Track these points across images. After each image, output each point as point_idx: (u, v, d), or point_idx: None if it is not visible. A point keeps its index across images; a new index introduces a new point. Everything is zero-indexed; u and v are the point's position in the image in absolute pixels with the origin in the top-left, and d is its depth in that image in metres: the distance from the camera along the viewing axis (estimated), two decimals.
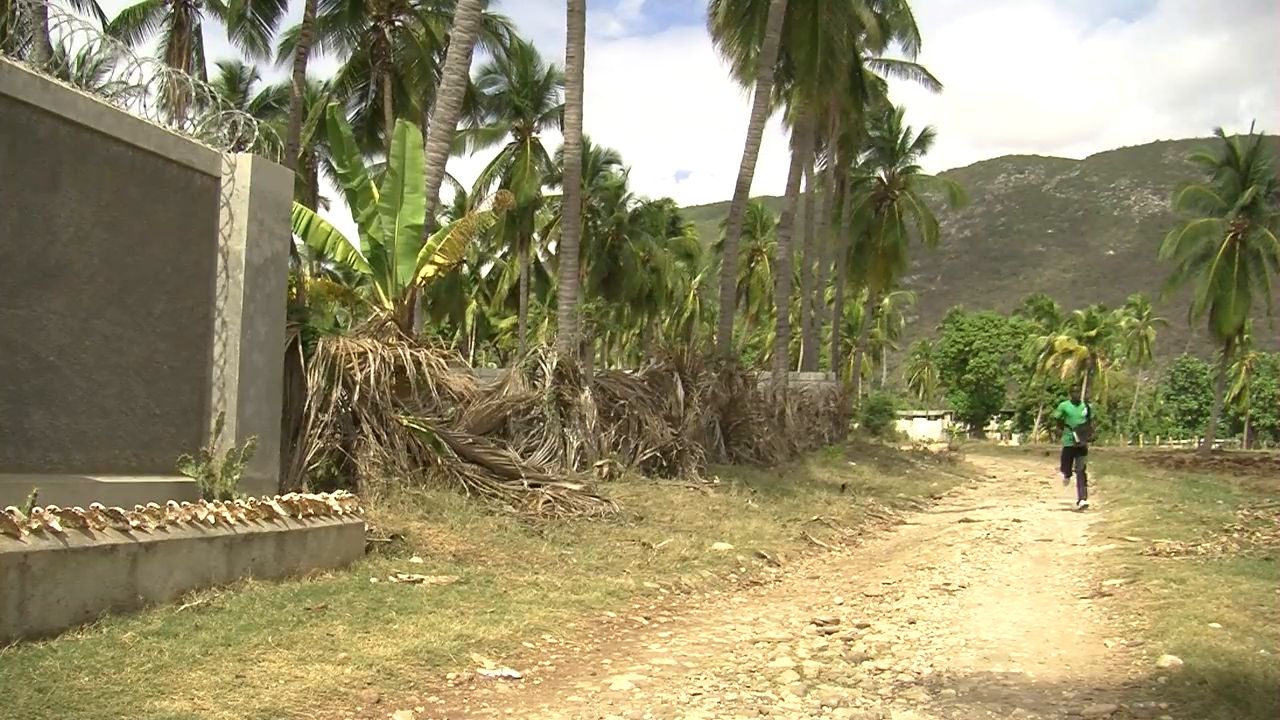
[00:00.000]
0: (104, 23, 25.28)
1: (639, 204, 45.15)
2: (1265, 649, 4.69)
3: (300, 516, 5.94)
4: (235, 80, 32.83)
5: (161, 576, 4.80)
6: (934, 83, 33.43)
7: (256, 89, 33.30)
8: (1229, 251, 37.81)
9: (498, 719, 3.83)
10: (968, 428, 73.13)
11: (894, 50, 32.28)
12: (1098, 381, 63.96)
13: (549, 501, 9.15)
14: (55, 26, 6.18)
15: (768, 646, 5.18)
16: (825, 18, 23.43)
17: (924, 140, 39.81)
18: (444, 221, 25.98)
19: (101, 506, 4.65)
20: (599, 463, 11.66)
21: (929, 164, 44.88)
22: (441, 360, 8.87)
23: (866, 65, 31.93)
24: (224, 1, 27.09)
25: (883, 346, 72.01)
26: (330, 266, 35.76)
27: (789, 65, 25.08)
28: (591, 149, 41.04)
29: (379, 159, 28.29)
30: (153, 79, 6.76)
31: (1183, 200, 40.64)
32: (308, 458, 7.89)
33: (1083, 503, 13.76)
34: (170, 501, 5.16)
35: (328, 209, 39.40)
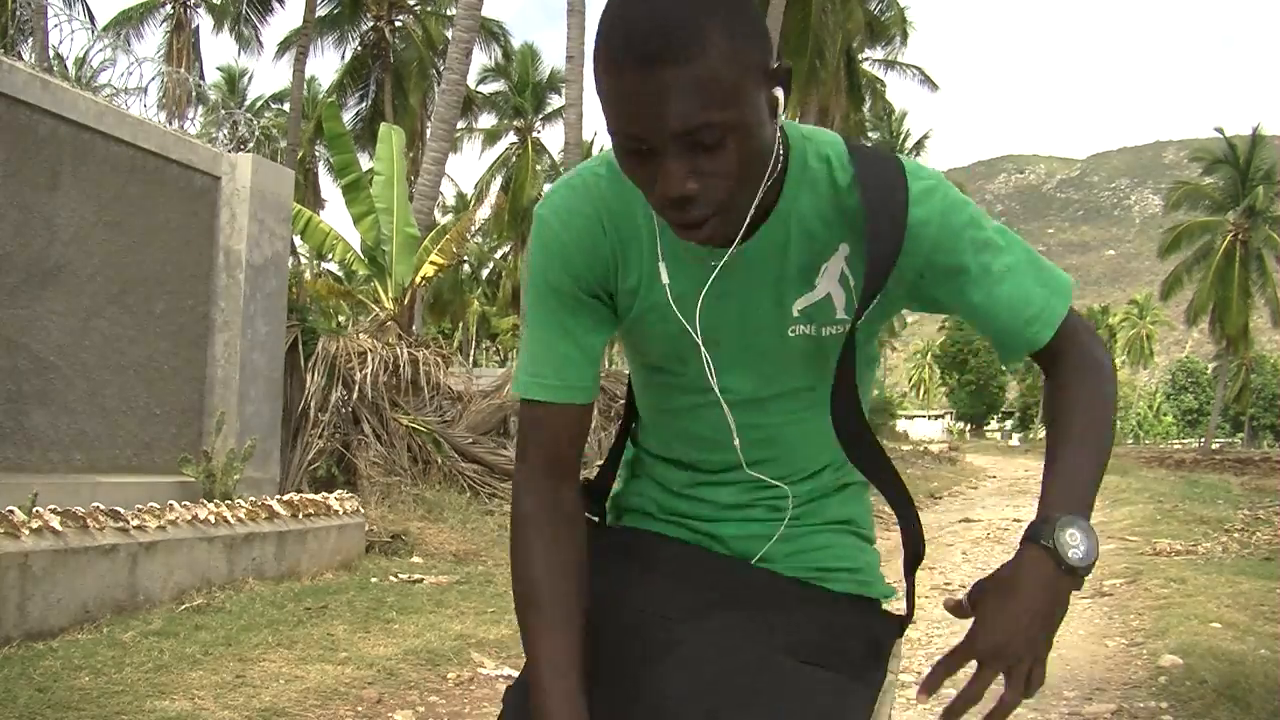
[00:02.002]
0: (93, 21, 25.31)
1: None
2: (1265, 649, 4.69)
3: (300, 516, 5.94)
4: (234, 81, 32.83)
5: (161, 576, 4.80)
6: (931, 83, 33.46)
7: (255, 90, 33.39)
8: (1229, 251, 37.79)
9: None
10: (968, 428, 73.11)
11: (890, 50, 32.29)
12: None
13: None
14: (55, 26, 6.18)
15: None
16: (822, 17, 23.44)
17: (920, 145, 40.07)
18: (444, 221, 25.97)
19: (102, 506, 4.64)
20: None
21: (929, 164, 45.00)
22: (441, 360, 8.87)
23: (865, 65, 31.96)
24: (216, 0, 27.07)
25: (883, 346, 72.08)
26: (332, 266, 35.81)
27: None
28: (593, 149, 41.05)
29: None
30: (153, 79, 6.77)
31: (1181, 198, 40.62)
32: (308, 457, 7.90)
33: None
34: (170, 501, 5.16)
35: (323, 209, 39.44)
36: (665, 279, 1.06)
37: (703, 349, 1.08)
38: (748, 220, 0.99)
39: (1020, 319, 1.04)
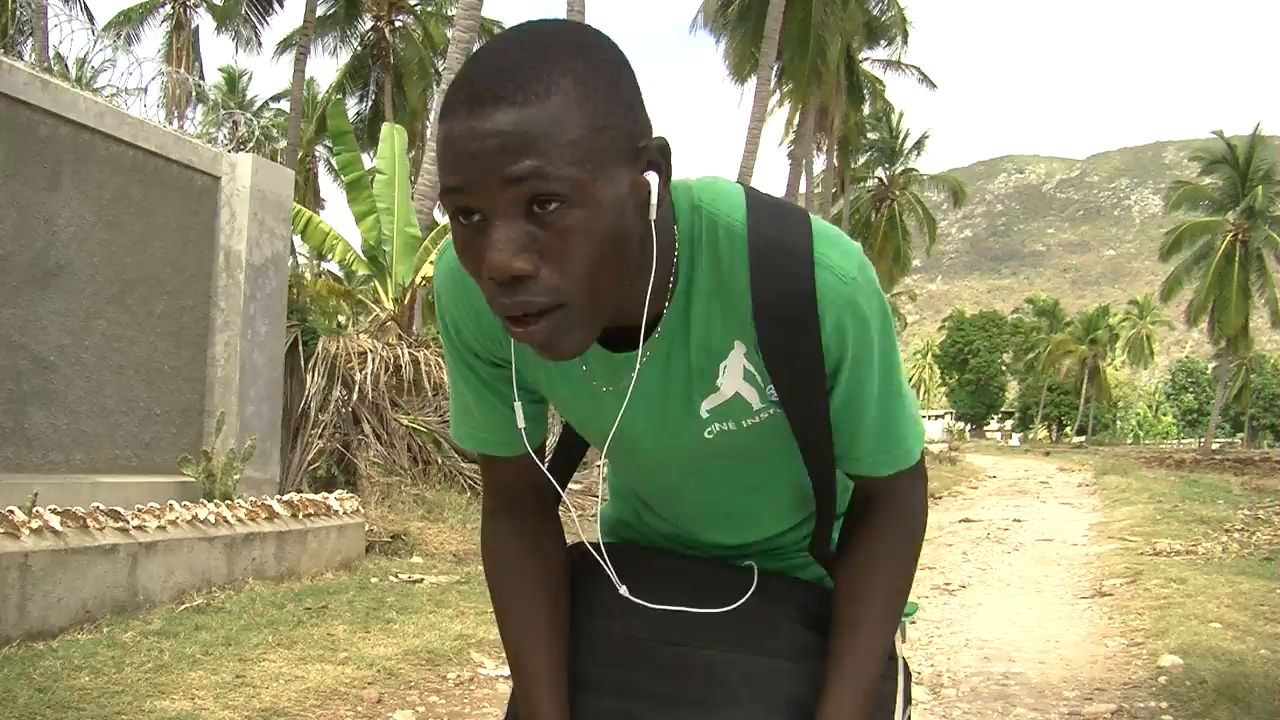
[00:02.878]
0: (92, 21, 25.32)
1: None
2: (1265, 649, 4.69)
3: (300, 516, 5.94)
4: (234, 81, 32.84)
5: (162, 576, 4.80)
6: (929, 82, 33.50)
7: (255, 90, 33.45)
8: (1229, 251, 37.81)
9: (499, 719, 3.83)
10: (968, 427, 73.12)
11: (891, 50, 32.32)
12: (1099, 381, 63.97)
13: None
14: (55, 26, 6.19)
15: None
16: (822, 18, 23.44)
17: (919, 145, 40.20)
18: (445, 221, 25.93)
19: (102, 506, 4.65)
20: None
21: (928, 164, 45.18)
22: (441, 360, 8.87)
23: (865, 65, 31.98)
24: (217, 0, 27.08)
25: None
26: (333, 266, 35.81)
27: (787, 65, 25.13)
28: None
29: None
30: (153, 79, 6.77)
31: (1180, 199, 40.63)
32: (308, 457, 7.90)
33: None
34: (170, 501, 5.17)
35: (323, 208, 39.44)
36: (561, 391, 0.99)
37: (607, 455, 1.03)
38: (638, 327, 0.88)
39: (872, 443, 0.97)
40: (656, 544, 1.17)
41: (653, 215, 0.81)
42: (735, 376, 0.93)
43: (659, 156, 0.81)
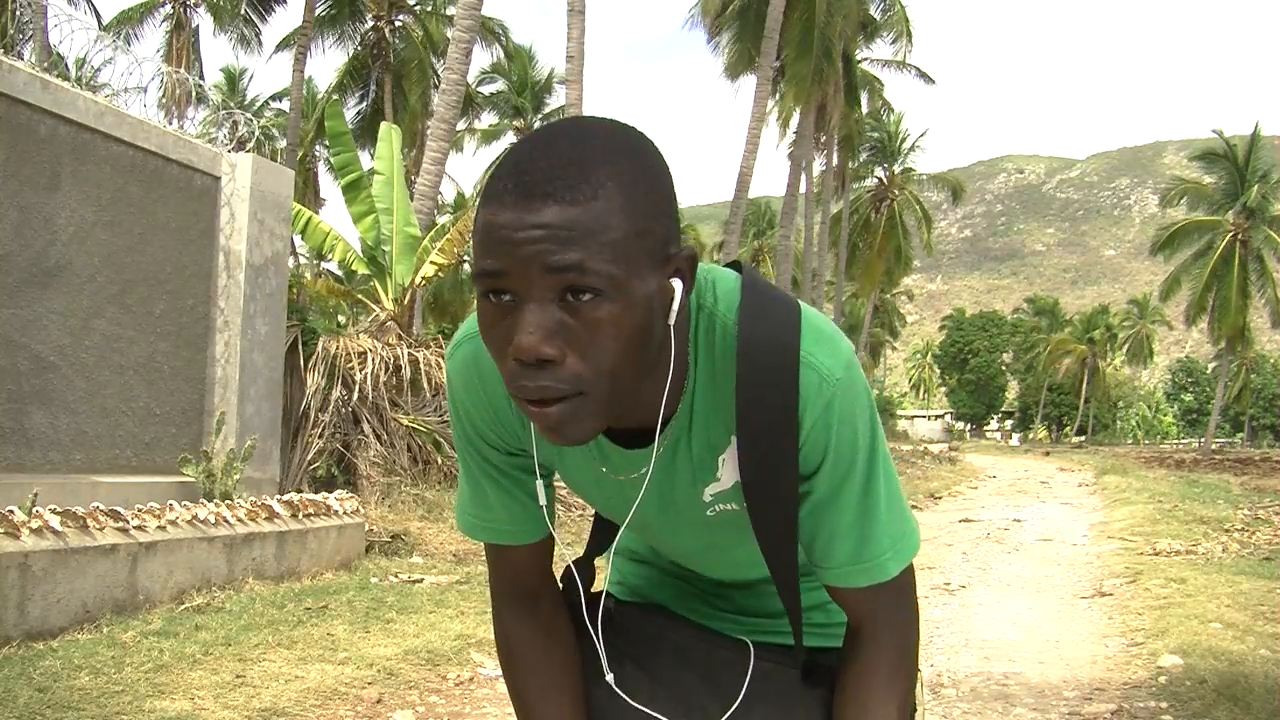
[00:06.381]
0: (100, 22, 25.33)
1: None
2: (1265, 649, 4.69)
3: (300, 516, 5.94)
4: (234, 81, 32.83)
5: (162, 576, 4.80)
6: (926, 78, 33.57)
7: (255, 89, 33.46)
8: (1228, 250, 37.78)
9: (498, 719, 3.83)
10: (968, 427, 73.10)
11: (896, 49, 32.35)
12: (1098, 380, 63.94)
13: None
14: (55, 26, 6.19)
15: None
16: (822, 18, 23.43)
17: (915, 147, 40.43)
18: (444, 221, 25.90)
19: (102, 506, 4.65)
20: None
21: (928, 163, 45.38)
22: (441, 360, 8.87)
23: (864, 65, 31.99)
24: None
25: (883, 346, 72.12)
26: (333, 266, 35.79)
27: (788, 64, 25.11)
28: None
29: None
30: (153, 79, 6.77)
31: (1176, 196, 40.60)
32: (308, 457, 7.90)
33: None
34: (170, 501, 5.17)
35: (322, 208, 39.47)
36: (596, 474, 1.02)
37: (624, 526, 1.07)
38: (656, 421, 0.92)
39: (848, 552, 0.97)
40: (664, 586, 1.24)
41: (672, 320, 0.85)
42: (734, 467, 0.97)
43: (685, 265, 0.85)
